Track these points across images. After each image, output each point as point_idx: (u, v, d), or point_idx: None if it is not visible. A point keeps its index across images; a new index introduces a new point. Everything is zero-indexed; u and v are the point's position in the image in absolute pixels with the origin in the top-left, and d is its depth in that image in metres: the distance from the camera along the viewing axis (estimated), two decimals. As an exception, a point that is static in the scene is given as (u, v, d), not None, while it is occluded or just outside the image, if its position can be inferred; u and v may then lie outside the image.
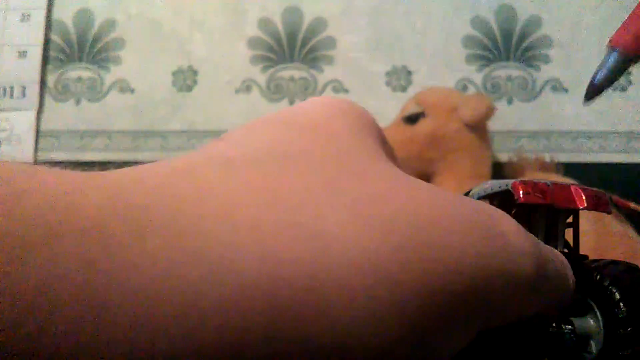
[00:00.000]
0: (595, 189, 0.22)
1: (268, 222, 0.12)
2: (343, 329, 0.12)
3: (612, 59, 0.22)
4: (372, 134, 0.18)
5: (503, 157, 0.80)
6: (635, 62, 0.22)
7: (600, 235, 0.57)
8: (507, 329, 0.17)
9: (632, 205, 0.65)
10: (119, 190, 0.11)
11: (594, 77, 0.22)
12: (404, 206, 0.14)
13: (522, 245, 0.15)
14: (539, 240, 0.17)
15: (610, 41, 0.22)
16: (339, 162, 0.15)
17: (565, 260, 0.19)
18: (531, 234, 0.17)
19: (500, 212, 0.16)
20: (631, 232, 0.61)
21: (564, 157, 0.78)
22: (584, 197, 0.22)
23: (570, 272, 0.18)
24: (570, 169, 0.75)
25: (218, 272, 0.11)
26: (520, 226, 0.16)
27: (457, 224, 0.14)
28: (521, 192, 0.21)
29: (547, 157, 0.76)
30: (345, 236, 0.13)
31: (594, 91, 0.22)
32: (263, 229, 0.12)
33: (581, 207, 0.22)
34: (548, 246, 0.18)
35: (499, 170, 0.76)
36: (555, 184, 0.22)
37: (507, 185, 0.22)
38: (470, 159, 0.71)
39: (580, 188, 0.22)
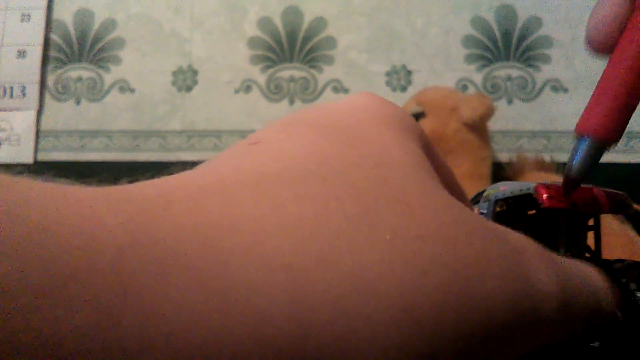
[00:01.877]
0: (615, 191, 0.21)
1: (301, 259, 0.11)
2: None
3: (585, 148, 0.20)
4: (417, 141, 0.16)
5: (503, 157, 0.80)
6: (609, 147, 0.21)
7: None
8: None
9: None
10: (143, 219, 0.10)
11: (569, 170, 0.21)
12: (445, 247, 0.13)
13: (548, 288, 0.15)
14: (567, 266, 0.16)
15: (577, 129, 0.21)
16: (382, 183, 0.13)
17: (599, 282, 0.18)
18: (557, 261, 0.16)
19: (526, 245, 0.15)
20: (631, 232, 0.61)
21: (564, 157, 0.78)
22: (607, 201, 0.21)
23: (605, 296, 0.18)
24: (570, 169, 0.75)
25: (245, 321, 0.10)
26: (546, 258, 0.16)
27: (492, 268, 0.13)
28: (545, 196, 0.21)
29: (547, 157, 0.76)
30: (382, 280, 0.12)
31: (574, 184, 0.21)
32: (296, 268, 0.11)
33: (605, 211, 0.21)
34: (578, 267, 0.17)
35: (499, 170, 0.76)
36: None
37: (528, 188, 0.21)
38: (470, 159, 0.71)
39: (602, 190, 0.21)
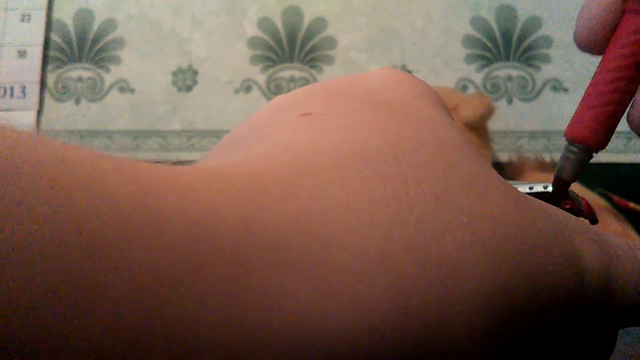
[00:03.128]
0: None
1: (393, 245, 0.11)
2: None
3: (574, 154, 0.21)
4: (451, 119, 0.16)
5: (503, 157, 0.80)
6: (597, 151, 0.21)
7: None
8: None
9: (632, 205, 0.65)
10: (249, 206, 0.10)
11: (559, 172, 0.21)
12: (514, 228, 0.13)
13: (591, 264, 0.15)
14: (613, 244, 0.16)
15: (566, 133, 0.21)
16: (449, 163, 0.13)
17: None
18: (603, 239, 0.16)
19: (569, 220, 0.15)
20: (631, 232, 0.61)
21: (564, 157, 0.78)
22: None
23: None
24: (570, 169, 0.75)
25: (354, 309, 0.10)
26: (590, 234, 0.15)
27: (550, 246, 0.13)
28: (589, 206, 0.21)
29: (547, 157, 0.76)
30: (465, 263, 0.11)
31: (564, 185, 0.21)
32: (389, 254, 0.11)
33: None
34: (628, 246, 0.17)
35: (499, 170, 0.76)
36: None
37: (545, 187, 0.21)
38: (470, 159, 0.71)
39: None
